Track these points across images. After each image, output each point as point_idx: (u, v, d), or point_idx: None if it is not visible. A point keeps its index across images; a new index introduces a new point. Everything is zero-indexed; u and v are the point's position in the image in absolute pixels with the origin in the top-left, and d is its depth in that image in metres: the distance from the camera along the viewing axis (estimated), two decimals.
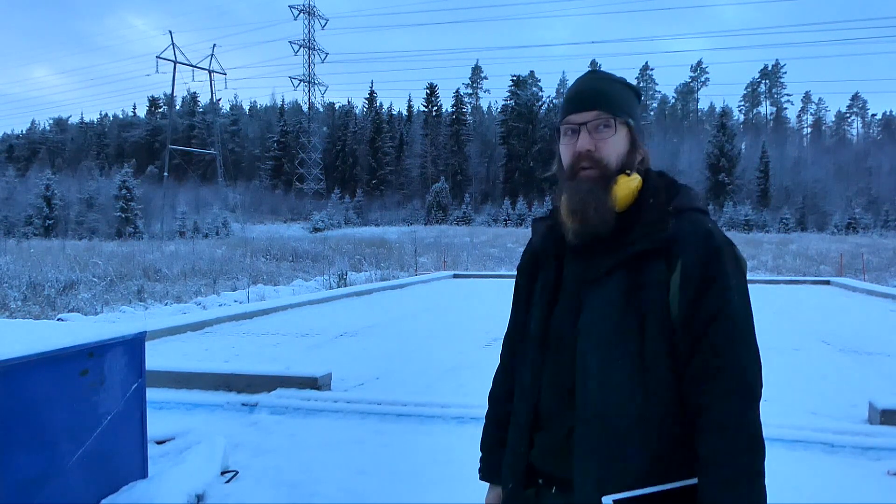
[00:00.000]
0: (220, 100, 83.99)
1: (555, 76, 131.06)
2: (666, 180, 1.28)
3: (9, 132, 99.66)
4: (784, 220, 53.70)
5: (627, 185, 1.21)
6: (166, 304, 12.91)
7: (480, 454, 1.48)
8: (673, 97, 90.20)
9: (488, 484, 1.47)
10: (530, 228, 1.41)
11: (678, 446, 1.12)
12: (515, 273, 1.45)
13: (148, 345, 3.38)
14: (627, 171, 1.22)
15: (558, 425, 1.20)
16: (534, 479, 1.26)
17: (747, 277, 1.20)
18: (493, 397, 1.49)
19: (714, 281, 1.13)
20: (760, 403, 1.13)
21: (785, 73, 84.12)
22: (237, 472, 3.65)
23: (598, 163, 1.21)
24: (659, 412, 1.12)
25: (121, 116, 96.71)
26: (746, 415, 1.09)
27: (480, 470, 1.48)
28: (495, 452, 1.41)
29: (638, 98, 1.32)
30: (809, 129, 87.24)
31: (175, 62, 62.41)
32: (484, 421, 1.49)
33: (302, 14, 74.33)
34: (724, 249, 1.15)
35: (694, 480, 1.09)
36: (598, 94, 1.25)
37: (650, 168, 1.29)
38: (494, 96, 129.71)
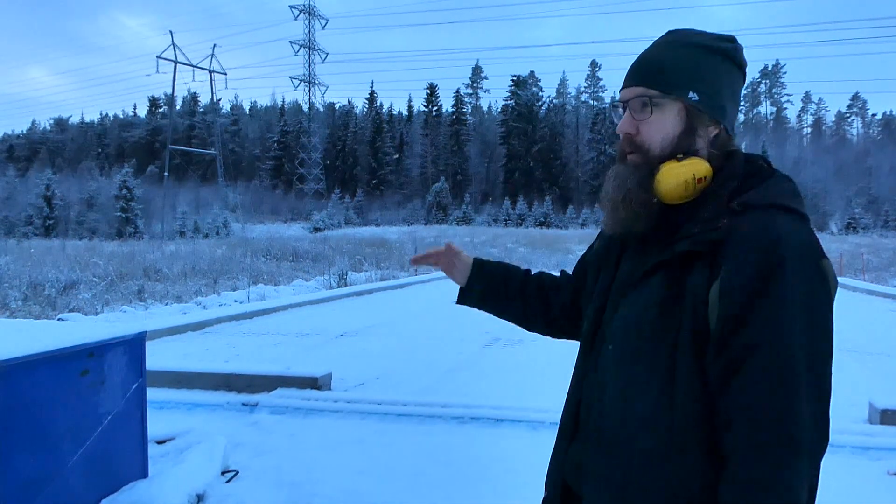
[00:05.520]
0: (220, 100, 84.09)
1: (555, 76, 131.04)
2: (750, 167, 1.04)
3: (9, 132, 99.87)
4: None
5: (675, 174, 1.01)
6: (167, 304, 12.90)
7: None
8: None
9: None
10: None
11: (707, 488, 0.93)
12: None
13: (148, 345, 3.38)
14: (679, 157, 1.03)
15: (586, 438, 1.09)
16: (569, 494, 1.14)
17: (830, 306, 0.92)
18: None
19: (764, 300, 0.88)
20: (812, 464, 0.88)
21: (785, 73, 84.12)
22: (237, 472, 3.65)
23: (639, 148, 1.05)
24: (685, 445, 0.94)
25: (121, 116, 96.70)
26: (778, 475, 0.86)
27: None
28: (489, 279, 1.42)
29: (729, 61, 1.05)
30: (809, 129, 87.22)
31: (175, 62, 62.35)
32: None
33: (302, 14, 74.34)
34: (792, 261, 0.89)
35: None
36: (648, 64, 1.06)
37: (736, 152, 1.05)
38: (494, 96, 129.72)
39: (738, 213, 0.96)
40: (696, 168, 1.01)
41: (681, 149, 1.03)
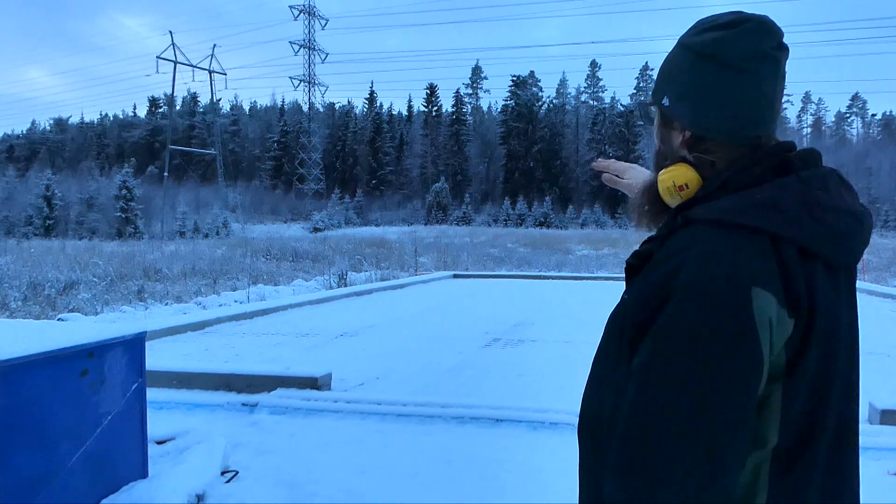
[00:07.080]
0: (220, 100, 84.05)
1: (555, 76, 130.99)
2: (739, 175, 0.91)
3: (9, 132, 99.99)
4: None
5: (660, 181, 0.99)
6: (166, 304, 12.90)
7: None
8: None
9: None
10: None
11: None
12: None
13: (148, 345, 3.38)
14: (667, 163, 1.00)
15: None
16: None
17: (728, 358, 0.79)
18: None
19: (651, 331, 0.84)
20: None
21: (785, 72, 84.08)
22: (237, 472, 3.65)
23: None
24: None
25: (121, 116, 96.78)
26: (616, 498, 0.83)
27: None
28: None
29: (701, 57, 0.93)
30: (809, 129, 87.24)
31: (175, 62, 62.37)
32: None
33: (302, 14, 74.39)
34: (684, 294, 0.81)
35: None
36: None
37: (738, 158, 0.93)
38: (494, 96, 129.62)
39: (681, 226, 0.89)
40: (675, 175, 0.96)
41: (665, 156, 1.01)
